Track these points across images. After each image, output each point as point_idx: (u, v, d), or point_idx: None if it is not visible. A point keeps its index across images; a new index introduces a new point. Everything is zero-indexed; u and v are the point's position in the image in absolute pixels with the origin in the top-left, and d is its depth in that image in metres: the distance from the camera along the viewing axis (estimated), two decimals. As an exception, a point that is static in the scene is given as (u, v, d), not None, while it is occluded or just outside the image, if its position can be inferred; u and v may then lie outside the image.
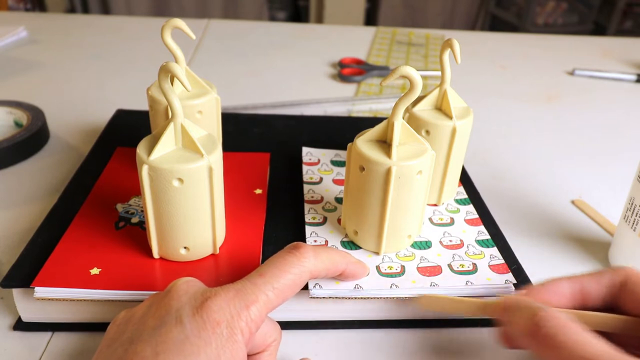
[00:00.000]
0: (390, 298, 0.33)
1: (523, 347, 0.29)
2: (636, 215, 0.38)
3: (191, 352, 0.24)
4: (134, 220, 0.38)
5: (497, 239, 0.39)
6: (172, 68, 0.29)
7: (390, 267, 0.35)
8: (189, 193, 0.32)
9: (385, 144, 0.34)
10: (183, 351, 0.24)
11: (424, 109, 0.40)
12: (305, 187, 0.43)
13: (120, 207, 0.39)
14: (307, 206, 0.40)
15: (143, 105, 0.55)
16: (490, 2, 2.56)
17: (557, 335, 0.25)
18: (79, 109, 0.62)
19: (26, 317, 0.33)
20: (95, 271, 0.33)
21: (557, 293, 0.29)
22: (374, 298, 0.33)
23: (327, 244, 0.37)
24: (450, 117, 0.39)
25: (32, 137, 0.51)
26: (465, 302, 0.32)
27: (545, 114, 0.69)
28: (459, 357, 0.33)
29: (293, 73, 0.77)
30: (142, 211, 0.39)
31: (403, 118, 0.34)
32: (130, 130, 0.51)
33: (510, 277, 0.35)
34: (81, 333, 0.33)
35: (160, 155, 0.31)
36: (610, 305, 0.30)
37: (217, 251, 0.35)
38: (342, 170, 0.45)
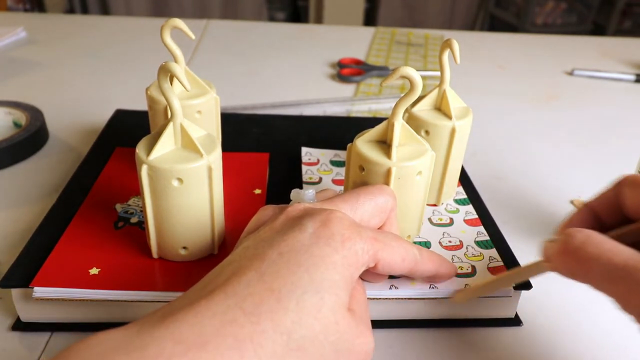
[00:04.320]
0: (389, 299, 0.33)
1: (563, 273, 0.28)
2: (635, 216, 0.38)
3: (319, 255, 0.25)
4: (133, 220, 0.38)
5: (496, 240, 0.39)
6: (172, 68, 0.29)
7: (390, 267, 0.35)
8: (189, 193, 0.31)
9: (385, 144, 0.34)
10: (309, 252, 0.25)
11: (423, 109, 0.40)
12: (305, 188, 0.43)
13: (119, 207, 0.39)
14: (306, 206, 0.40)
15: (142, 106, 0.55)
16: (489, 2, 2.57)
17: (586, 245, 0.25)
18: (78, 109, 0.62)
19: (25, 317, 0.33)
20: (94, 271, 0.33)
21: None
22: (374, 299, 0.33)
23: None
24: (450, 117, 0.39)
25: (31, 138, 0.51)
26: (500, 278, 0.32)
27: (544, 114, 0.69)
28: (460, 357, 0.33)
29: (292, 73, 0.77)
30: (141, 211, 0.38)
31: (402, 118, 0.34)
32: (129, 130, 0.51)
33: (509, 277, 0.35)
34: (80, 333, 0.33)
35: (159, 155, 0.31)
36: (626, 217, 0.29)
37: (217, 251, 0.35)
38: (342, 170, 0.45)
